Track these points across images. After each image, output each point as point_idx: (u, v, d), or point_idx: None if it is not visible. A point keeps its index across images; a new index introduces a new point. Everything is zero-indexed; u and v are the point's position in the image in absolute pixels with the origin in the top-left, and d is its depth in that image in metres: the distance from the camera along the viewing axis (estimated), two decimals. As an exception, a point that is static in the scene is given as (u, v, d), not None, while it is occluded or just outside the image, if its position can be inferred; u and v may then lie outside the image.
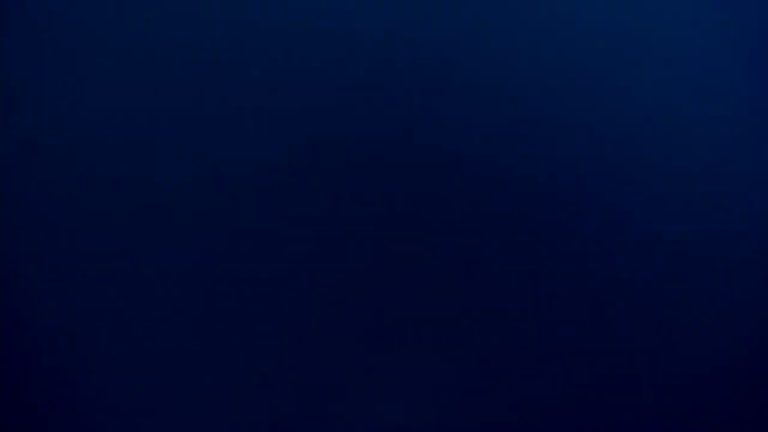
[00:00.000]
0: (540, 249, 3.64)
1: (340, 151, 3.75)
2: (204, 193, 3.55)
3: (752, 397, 3.29)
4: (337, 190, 3.67)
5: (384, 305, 3.44)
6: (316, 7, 4.09)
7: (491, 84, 4.06)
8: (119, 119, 3.65)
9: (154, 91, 3.66)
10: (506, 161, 3.88)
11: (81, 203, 3.50)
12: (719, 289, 3.55)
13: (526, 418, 3.29)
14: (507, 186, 3.79)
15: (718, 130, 4.07)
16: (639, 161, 3.95)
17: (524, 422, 3.29)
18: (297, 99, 3.84)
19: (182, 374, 3.23)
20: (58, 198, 3.50)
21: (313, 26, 4.07)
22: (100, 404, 3.14)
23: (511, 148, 3.84)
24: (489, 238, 3.64)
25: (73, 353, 3.19)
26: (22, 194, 3.47)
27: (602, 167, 3.90)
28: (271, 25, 3.92)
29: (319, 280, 3.47)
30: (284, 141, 3.77)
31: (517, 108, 4.01)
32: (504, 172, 3.85)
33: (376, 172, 3.71)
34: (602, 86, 4.11)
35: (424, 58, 4.13)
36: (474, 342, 3.38)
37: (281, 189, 3.65)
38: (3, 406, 3.12)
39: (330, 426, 3.23)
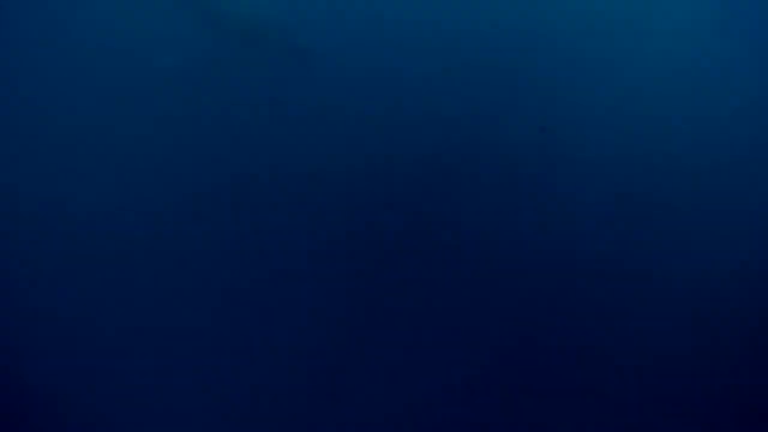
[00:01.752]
0: (542, 250, 3.65)
1: (348, 156, 3.75)
2: (211, 196, 3.56)
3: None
4: (344, 195, 3.66)
5: (387, 306, 3.44)
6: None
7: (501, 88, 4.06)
8: (132, 122, 3.67)
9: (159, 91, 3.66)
10: (511, 164, 3.88)
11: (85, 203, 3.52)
12: (722, 289, 3.55)
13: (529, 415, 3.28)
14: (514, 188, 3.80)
15: (722, 129, 4.06)
16: (641, 164, 3.95)
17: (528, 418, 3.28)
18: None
19: (184, 375, 3.23)
20: (61, 198, 3.51)
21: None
22: (101, 404, 3.14)
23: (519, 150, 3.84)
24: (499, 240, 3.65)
25: (73, 353, 3.20)
26: (22, 194, 3.49)
27: (605, 168, 3.90)
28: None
29: (323, 280, 3.47)
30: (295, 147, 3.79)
31: (522, 110, 4.02)
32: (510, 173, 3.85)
33: (385, 177, 3.71)
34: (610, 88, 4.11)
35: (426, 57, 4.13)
36: (476, 340, 3.38)
37: (290, 193, 3.65)
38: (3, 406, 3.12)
39: (333, 424, 3.23)
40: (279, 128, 3.75)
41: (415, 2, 4.24)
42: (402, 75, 3.98)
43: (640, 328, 3.46)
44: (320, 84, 3.80)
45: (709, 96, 4.11)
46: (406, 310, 3.43)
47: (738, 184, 3.86)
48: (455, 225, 3.68)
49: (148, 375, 3.19)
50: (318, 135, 3.76)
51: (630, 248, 3.66)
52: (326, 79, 3.80)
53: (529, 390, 3.29)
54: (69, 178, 3.51)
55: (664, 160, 3.94)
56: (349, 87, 3.88)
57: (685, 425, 3.23)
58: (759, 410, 3.24)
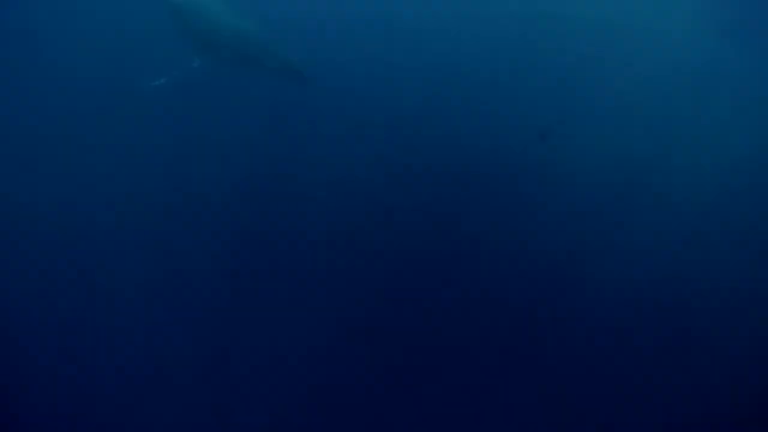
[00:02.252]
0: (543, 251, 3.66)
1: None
2: (202, 210, 3.58)
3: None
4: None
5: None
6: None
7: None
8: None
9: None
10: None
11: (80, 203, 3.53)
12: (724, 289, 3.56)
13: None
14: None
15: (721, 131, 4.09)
16: (641, 166, 3.97)
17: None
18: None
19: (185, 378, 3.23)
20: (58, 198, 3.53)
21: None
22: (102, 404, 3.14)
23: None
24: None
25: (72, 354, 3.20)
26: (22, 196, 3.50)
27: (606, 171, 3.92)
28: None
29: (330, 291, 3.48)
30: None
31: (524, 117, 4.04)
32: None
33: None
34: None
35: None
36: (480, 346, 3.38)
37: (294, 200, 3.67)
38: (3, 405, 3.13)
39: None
40: (272, 147, 3.78)
41: (407, 17, 4.28)
42: (395, 90, 4.02)
43: (639, 331, 3.47)
44: (314, 104, 3.84)
45: (709, 98, 4.13)
46: (406, 312, 3.44)
47: (740, 185, 3.88)
48: (453, 230, 3.69)
49: (147, 376, 3.20)
50: (311, 153, 3.79)
51: (629, 250, 3.67)
52: (320, 98, 3.84)
53: (532, 391, 3.29)
54: (63, 196, 3.54)
55: (664, 162, 3.96)
56: (343, 106, 3.92)
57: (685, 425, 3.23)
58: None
